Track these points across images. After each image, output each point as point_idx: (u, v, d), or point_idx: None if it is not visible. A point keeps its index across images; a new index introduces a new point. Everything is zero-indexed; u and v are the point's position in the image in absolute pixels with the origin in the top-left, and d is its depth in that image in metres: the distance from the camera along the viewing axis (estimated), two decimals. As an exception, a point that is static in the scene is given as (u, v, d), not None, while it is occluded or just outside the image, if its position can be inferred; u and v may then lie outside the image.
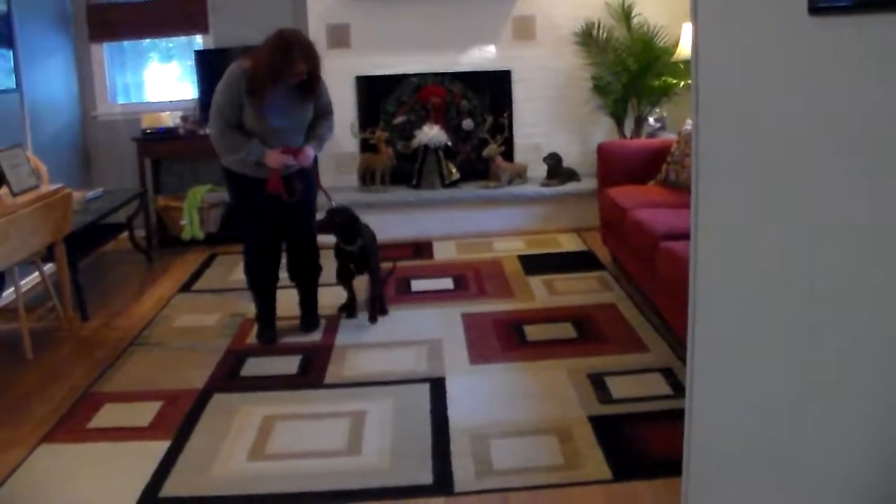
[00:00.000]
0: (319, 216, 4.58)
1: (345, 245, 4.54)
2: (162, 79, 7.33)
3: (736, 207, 1.89)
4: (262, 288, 4.46)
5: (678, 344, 3.98)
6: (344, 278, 4.69)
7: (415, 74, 6.69)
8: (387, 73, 6.67)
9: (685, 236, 2.15)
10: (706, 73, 1.92)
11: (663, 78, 6.27)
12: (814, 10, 1.41)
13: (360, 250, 4.55)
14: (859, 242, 1.41)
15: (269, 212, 4.25)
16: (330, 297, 4.82)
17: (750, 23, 1.75)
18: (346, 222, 4.50)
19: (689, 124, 4.80)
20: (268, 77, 3.97)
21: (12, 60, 5.57)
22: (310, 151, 4.23)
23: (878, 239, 1.35)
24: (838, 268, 1.47)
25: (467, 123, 6.70)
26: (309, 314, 4.58)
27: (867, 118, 1.36)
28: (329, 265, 4.64)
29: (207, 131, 4.15)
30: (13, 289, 4.55)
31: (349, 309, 4.73)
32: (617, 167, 5.37)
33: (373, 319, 4.65)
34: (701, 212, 1.99)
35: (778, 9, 1.58)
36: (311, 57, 4.04)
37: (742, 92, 1.82)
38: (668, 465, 2.79)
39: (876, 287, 1.37)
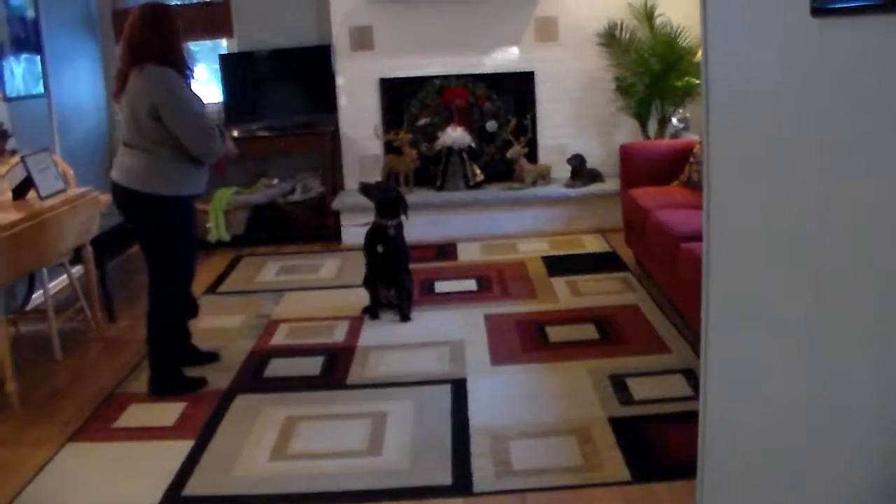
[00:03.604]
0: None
1: (382, 218, 4.62)
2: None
3: (746, 208, 1.89)
4: (181, 326, 4.12)
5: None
6: (371, 283, 4.73)
7: (438, 76, 6.70)
8: (410, 75, 6.69)
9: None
10: (716, 75, 1.92)
11: (686, 78, 6.23)
12: (816, 11, 1.41)
13: (395, 230, 4.61)
14: (865, 243, 1.41)
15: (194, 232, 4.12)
16: (354, 298, 4.86)
17: (755, 25, 1.75)
18: (391, 198, 4.64)
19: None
20: (183, 48, 3.99)
21: (40, 66, 5.66)
22: None
23: (884, 240, 1.35)
24: (844, 269, 1.47)
25: (491, 125, 6.71)
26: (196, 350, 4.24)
27: (872, 119, 1.35)
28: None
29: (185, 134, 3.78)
30: (42, 291, 4.62)
31: (372, 311, 4.75)
32: (639, 168, 5.35)
33: (406, 318, 4.67)
34: (713, 213, 2.00)
35: (781, 10, 1.58)
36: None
37: (750, 93, 1.82)
38: (688, 467, 2.74)
39: (882, 288, 1.37)
